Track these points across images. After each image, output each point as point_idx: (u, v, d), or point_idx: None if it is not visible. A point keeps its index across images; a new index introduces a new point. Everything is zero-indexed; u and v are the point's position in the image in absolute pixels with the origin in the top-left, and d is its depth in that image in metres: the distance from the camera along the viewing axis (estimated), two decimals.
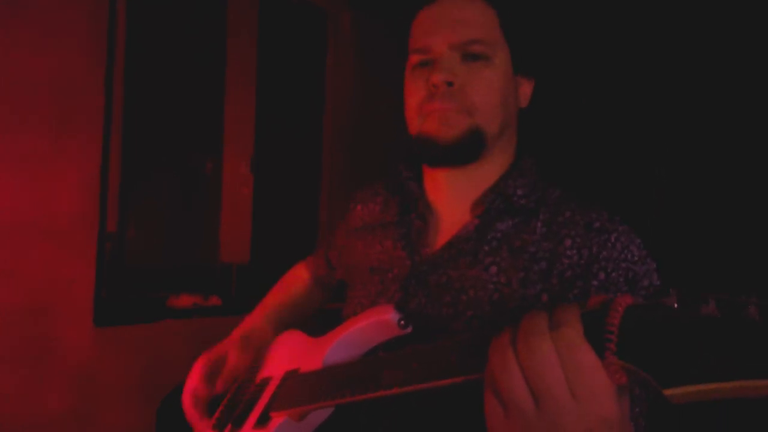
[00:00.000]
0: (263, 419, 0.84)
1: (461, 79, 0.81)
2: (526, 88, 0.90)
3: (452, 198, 0.90)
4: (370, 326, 0.81)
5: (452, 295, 0.82)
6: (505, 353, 0.46)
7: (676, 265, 0.86)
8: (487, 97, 0.82)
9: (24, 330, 2.08)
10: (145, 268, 2.57)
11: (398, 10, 0.91)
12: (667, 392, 0.39)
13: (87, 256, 2.21)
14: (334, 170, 3.12)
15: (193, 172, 2.73)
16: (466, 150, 0.83)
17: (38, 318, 2.11)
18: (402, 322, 0.78)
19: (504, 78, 0.84)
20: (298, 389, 0.82)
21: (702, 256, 2.01)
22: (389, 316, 0.78)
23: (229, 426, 0.91)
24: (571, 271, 0.76)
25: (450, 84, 0.81)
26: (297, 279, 1.23)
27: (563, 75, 2.24)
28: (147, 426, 2.26)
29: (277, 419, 0.81)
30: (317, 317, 1.23)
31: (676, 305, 0.41)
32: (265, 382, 0.93)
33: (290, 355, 0.95)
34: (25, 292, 2.08)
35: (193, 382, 0.98)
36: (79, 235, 2.19)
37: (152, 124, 2.55)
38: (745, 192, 1.97)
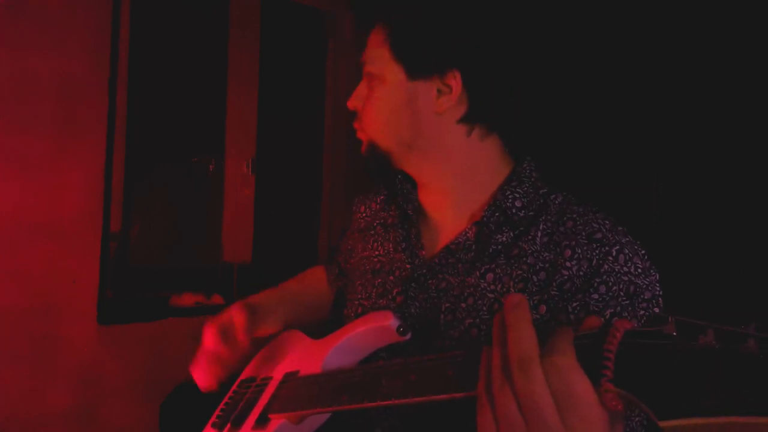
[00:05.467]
0: (262, 420, 0.85)
1: (363, 101, 0.89)
2: (436, 85, 0.82)
3: (447, 204, 0.90)
4: (369, 332, 0.82)
5: (451, 302, 0.82)
6: (501, 378, 0.47)
7: (672, 278, 0.86)
8: (374, 115, 0.88)
9: (29, 329, 2.11)
10: (149, 268, 2.60)
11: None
12: (663, 424, 0.38)
13: (91, 255, 2.24)
14: (334, 170, 3.13)
15: (196, 173, 2.75)
16: (370, 161, 0.91)
17: (43, 317, 2.13)
18: (401, 329, 0.78)
19: (390, 94, 0.85)
20: (297, 393, 0.83)
21: (699, 269, 2.01)
22: (388, 322, 0.79)
23: (229, 425, 0.92)
24: (570, 283, 0.74)
25: (355, 108, 0.91)
26: (314, 276, 1.23)
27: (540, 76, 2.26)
28: (150, 423, 2.28)
29: (276, 421, 0.82)
30: None
31: (674, 333, 0.41)
32: (265, 382, 0.95)
33: (290, 356, 0.96)
34: (30, 291, 2.11)
35: (211, 345, 0.95)
36: (83, 235, 2.21)
37: (155, 125, 2.57)
38: (745, 205, 1.97)
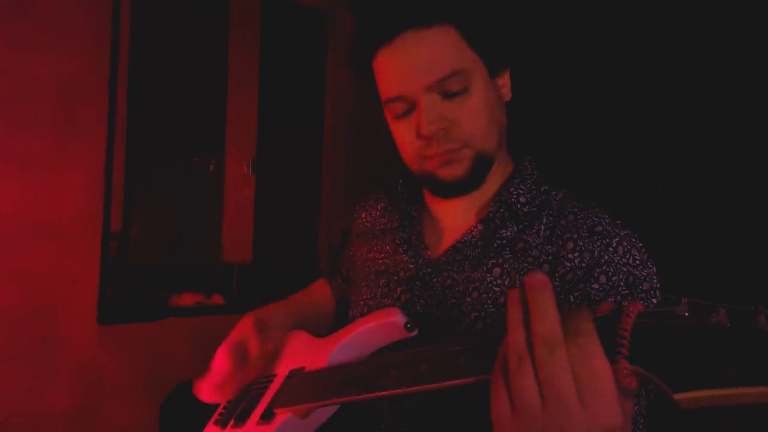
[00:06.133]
0: (267, 415, 0.85)
1: (450, 119, 0.80)
2: (505, 81, 0.88)
3: (453, 204, 0.91)
4: (376, 328, 0.82)
5: (457, 297, 0.83)
6: (522, 356, 0.47)
7: (672, 277, 0.86)
8: (479, 123, 0.81)
9: (29, 328, 2.11)
10: (149, 268, 2.59)
11: (355, 47, 0.86)
12: (677, 397, 0.40)
13: (91, 255, 2.24)
14: (334, 170, 3.13)
15: (196, 173, 2.75)
16: (476, 177, 0.84)
17: (43, 316, 2.14)
18: (408, 325, 0.79)
19: (486, 96, 0.82)
20: (303, 387, 0.83)
21: (699, 269, 2.02)
22: (395, 318, 0.79)
23: (232, 422, 0.92)
24: (572, 274, 0.76)
25: (443, 129, 0.80)
26: (319, 288, 1.23)
27: (550, 72, 2.26)
28: (150, 423, 2.28)
29: (281, 416, 0.82)
30: None
31: (686, 314, 0.42)
32: (269, 379, 0.94)
33: (296, 353, 0.96)
34: (30, 291, 2.11)
35: (227, 367, 0.93)
36: (83, 235, 2.22)
37: (155, 126, 2.57)
38: (744, 205, 1.98)
